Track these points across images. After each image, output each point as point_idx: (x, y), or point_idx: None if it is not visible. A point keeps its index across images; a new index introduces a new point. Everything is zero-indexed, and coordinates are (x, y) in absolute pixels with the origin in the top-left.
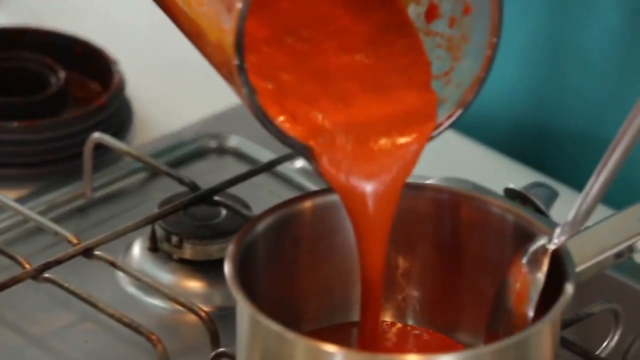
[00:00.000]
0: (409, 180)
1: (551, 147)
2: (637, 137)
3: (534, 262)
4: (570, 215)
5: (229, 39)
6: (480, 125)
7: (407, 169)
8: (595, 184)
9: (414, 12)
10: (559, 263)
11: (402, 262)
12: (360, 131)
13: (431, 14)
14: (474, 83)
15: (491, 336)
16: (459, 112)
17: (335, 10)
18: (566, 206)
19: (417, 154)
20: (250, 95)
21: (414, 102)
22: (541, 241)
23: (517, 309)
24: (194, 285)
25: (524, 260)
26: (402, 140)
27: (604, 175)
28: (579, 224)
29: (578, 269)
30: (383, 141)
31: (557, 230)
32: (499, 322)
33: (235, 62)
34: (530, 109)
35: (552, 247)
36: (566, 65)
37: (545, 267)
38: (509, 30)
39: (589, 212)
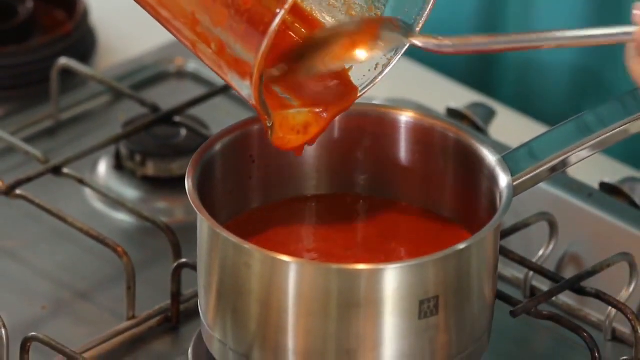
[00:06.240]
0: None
1: (491, 69)
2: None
3: None
4: None
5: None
6: None
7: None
8: None
9: None
10: (497, 176)
11: (355, 180)
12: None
13: None
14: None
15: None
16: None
17: None
18: (504, 124)
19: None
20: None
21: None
22: None
23: None
24: (157, 200)
25: None
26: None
27: None
28: None
29: (515, 183)
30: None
31: None
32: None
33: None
34: (474, 32)
35: None
36: None
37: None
38: None
39: None
